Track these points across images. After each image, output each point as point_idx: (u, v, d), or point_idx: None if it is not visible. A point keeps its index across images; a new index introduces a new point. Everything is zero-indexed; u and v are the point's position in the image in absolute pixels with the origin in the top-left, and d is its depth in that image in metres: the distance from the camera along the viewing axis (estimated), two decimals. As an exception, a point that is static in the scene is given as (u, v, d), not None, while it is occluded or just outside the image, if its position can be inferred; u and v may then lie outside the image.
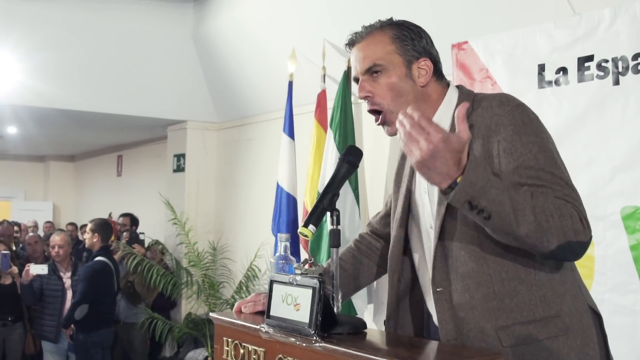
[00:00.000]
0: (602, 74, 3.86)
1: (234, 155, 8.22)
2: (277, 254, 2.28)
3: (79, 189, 13.77)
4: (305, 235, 2.05)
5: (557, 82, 4.07)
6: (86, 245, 7.10)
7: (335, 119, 5.76)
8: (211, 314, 2.45)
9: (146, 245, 8.30)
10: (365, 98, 2.21)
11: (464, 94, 2.18)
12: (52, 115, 8.31)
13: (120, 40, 7.54)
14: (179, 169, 8.64)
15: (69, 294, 6.88)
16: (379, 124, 2.22)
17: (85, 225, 10.68)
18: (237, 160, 8.15)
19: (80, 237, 10.40)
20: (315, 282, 1.93)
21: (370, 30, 2.19)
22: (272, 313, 2.06)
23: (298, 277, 2.01)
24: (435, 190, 2.11)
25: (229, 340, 2.27)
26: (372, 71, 2.17)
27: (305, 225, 2.06)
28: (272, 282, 2.10)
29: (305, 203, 6.07)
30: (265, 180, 7.41)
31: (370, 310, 5.69)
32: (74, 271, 6.98)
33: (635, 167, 3.71)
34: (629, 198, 3.73)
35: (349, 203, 5.67)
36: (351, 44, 2.23)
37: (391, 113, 2.15)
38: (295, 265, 2.12)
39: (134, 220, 8.95)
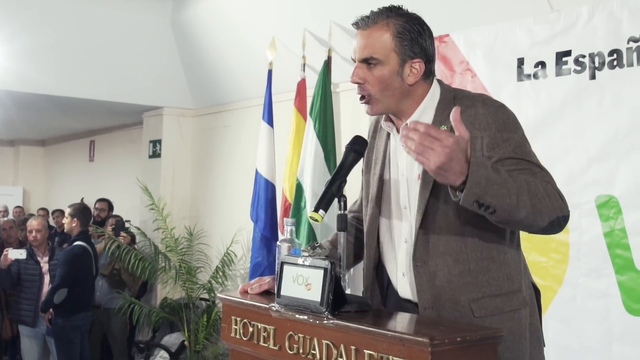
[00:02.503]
0: (579, 68, 4.03)
1: (210, 142, 8.30)
2: (283, 237, 2.41)
3: (50, 174, 13.69)
4: (316, 220, 2.18)
5: (535, 76, 4.24)
6: (65, 230, 7.13)
7: (315, 108, 5.87)
8: (218, 294, 2.57)
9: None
10: (356, 83, 2.35)
11: (445, 90, 2.38)
12: (24, 99, 8.25)
13: (98, 26, 7.53)
14: (155, 154, 8.68)
15: (47, 278, 6.93)
16: (362, 102, 2.38)
17: (57, 211, 10.72)
18: (214, 147, 8.22)
19: (51, 223, 10.39)
20: (327, 263, 2.07)
21: (376, 20, 2.31)
22: (282, 293, 2.19)
23: (309, 259, 2.14)
24: (413, 174, 2.33)
25: (238, 319, 2.39)
26: (368, 62, 2.31)
27: (316, 210, 2.19)
28: (282, 264, 2.22)
29: (284, 189, 6.18)
30: (242, 166, 7.51)
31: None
32: (51, 256, 7.03)
33: (609, 158, 3.89)
34: (604, 187, 3.91)
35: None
36: (357, 26, 2.36)
37: (376, 100, 2.33)
38: (303, 248, 2.26)
39: (111, 205, 8.98)
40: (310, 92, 6.07)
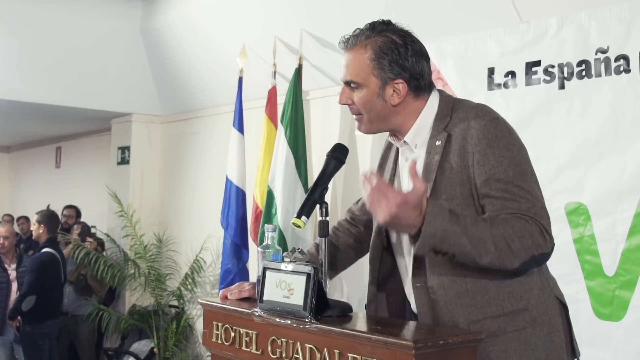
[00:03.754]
0: (548, 78, 4.11)
1: (179, 149, 8.29)
2: (264, 244, 2.42)
3: (15, 181, 13.53)
4: (298, 226, 2.22)
5: (505, 85, 4.32)
6: (33, 237, 7.07)
7: (286, 115, 5.91)
8: (200, 300, 2.59)
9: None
10: (343, 104, 2.37)
11: (444, 102, 2.33)
12: (-8, 106, 8.21)
13: (67, 31, 7.49)
14: (124, 161, 8.64)
15: (14, 285, 6.86)
16: (355, 119, 2.39)
17: (22, 217, 10.61)
18: (183, 154, 8.21)
19: (16, 229, 10.26)
20: (309, 268, 2.10)
21: (356, 42, 2.30)
22: (265, 298, 2.22)
23: (291, 265, 2.17)
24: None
25: (219, 324, 2.41)
26: (350, 84, 2.32)
27: (298, 216, 2.23)
28: (265, 269, 2.25)
29: (255, 196, 6.20)
30: (211, 173, 7.51)
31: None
32: (19, 263, 6.97)
33: (578, 166, 3.97)
34: (573, 195, 3.99)
35: (298, 197, 5.82)
36: (341, 47, 2.36)
37: (365, 120, 2.34)
38: (284, 254, 2.29)
39: (78, 212, 8.92)
40: (281, 99, 6.10)
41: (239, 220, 6.41)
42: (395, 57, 2.26)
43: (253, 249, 6.04)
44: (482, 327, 2.14)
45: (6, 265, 6.89)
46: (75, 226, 8.17)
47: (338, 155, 2.35)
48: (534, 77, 4.18)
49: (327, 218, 2.26)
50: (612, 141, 3.87)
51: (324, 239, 2.25)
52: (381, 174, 2.51)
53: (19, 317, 6.54)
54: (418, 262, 2.24)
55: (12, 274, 6.91)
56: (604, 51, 3.89)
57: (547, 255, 2.13)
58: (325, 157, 2.37)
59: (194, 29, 7.13)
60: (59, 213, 8.58)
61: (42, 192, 11.80)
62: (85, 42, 7.61)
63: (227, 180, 6.50)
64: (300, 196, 5.88)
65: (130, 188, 8.44)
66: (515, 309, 2.19)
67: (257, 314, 2.22)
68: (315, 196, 2.25)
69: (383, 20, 2.33)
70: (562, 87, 4.05)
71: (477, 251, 2.02)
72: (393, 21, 2.34)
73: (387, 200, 1.96)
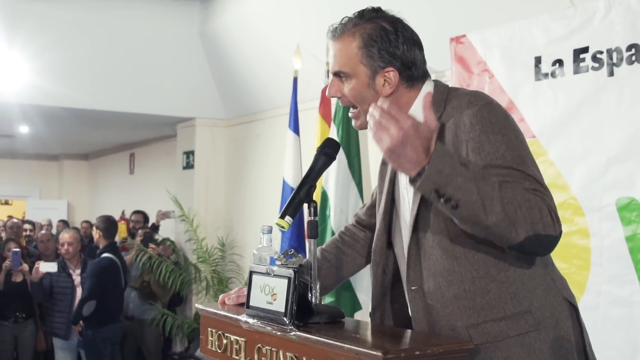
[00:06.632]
0: (597, 65, 3.86)
1: (242, 152, 8.26)
2: (260, 246, 2.30)
3: (93, 187, 13.87)
4: (282, 227, 2.08)
5: (553, 75, 4.08)
6: (94, 242, 7.16)
7: (338, 114, 5.78)
8: (197, 305, 2.49)
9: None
10: (332, 97, 2.24)
11: (438, 92, 2.16)
12: (61, 114, 8.37)
13: (128, 39, 7.59)
14: (189, 166, 8.69)
15: (79, 291, 6.95)
16: (350, 115, 2.25)
17: (85, 222, 10.86)
18: (246, 157, 8.18)
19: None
20: (290, 272, 1.97)
21: (343, 31, 2.16)
22: (251, 303, 2.10)
23: (275, 268, 2.04)
24: (410, 187, 2.14)
25: (213, 330, 2.31)
26: (339, 75, 2.18)
27: (282, 217, 2.08)
28: (251, 273, 2.13)
29: (311, 198, 6.09)
30: (272, 176, 7.44)
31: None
32: (83, 268, 7.05)
33: (629, 158, 3.71)
34: (624, 189, 3.73)
35: (352, 197, 5.70)
36: (329, 37, 2.21)
37: (361, 115, 2.18)
38: (275, 256, 2.15)
39: (146, 217, 9.02)
40: (334, 98, 5.97)
41: (295, 223, 6.30)
42: (385, 45, 2.11)
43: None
44: (482, 331, 1.97)
45: (70, 271, 6.99)
46: (139, 231, 8.25)
47: (328, 150, 2.18)
48: (581, 64, 3.93)
49: (316, 218, 2.11)
50: (665, 131, 3.61)
51: (312, 240, 2.09)
52: (382, 178, 2.36)
53: (81, 322, 6.61)
54: (413, 263, 2.09)
55: (77, 279, 7.00)
56: (654, 33, 3.63)
57: (552, 239, 1.89)
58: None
59: (250, 30, 7.10)
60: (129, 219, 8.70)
61: (118, 198, 12.04)
62: (145, 48, 7.68)
63: (284, 182, 6.42)
64: (355, 197, 5.75)
65: (195, 192, 8.47)
66: (517, 312, 1.99)
67: (243, 320, 2.10)
68: (301, 195, 2.10)
69: (373, 7, 2.18)
70: (611, 74, 3.79)
71: (483, 205, 1.80)
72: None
73: (397, 122, 1.78)
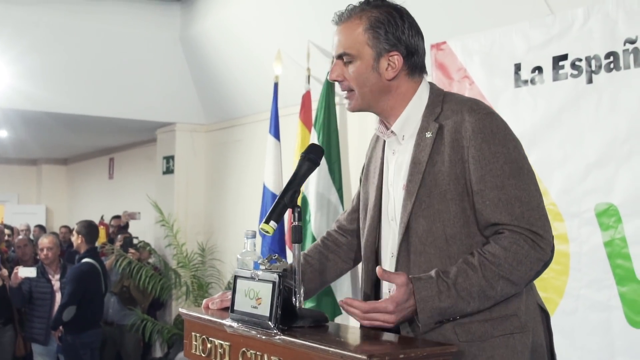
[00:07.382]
0: (576, 72, 3.90)
1: (222, 157, 8.26)
2: (244, 250, 2.31)
3: (72, 192, 13.79)
4: (267, 232, 2.09)
5: (532, 81, 4.12)
6: (74, 247, 7.12)
7: (319, 120, 5.81)
8: (180, 310, 2.49)
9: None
10: (334, 81, 2.26)
11: (434, 94, 2.22)
12: (41, 119, 8.34)
13: (108, 43, 7.56)
14: (168, 170, 8.67)
15: (58, 296, 6.88)
16: (345, 97, 2.28)
17: (64, 227, 10.80)
18: (226, 162, 8.18)
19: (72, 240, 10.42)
20: (275, 276, 1.98)
21: (350, 15, 2.21)
22: (236, 308, 2.11)
23: (259, 272, 2.06)
24: (399, 185, 2.18)
25: (197, 335, 2.31)
26: (343, 58, 2.21)
27: (267, 221, 2.09)
28: (236, 278, 2.14)
29: (291, 203, 6.09)
30: (253, 181, 7.45)
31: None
32: (62, 273, 6.99)
33: (608, 164, 3.75)
34: (603, 195, 3.77)
35: (332, 203, 5.72)
36: (334, 22, 2.25)
37: (356, 96, 2.22)
38: (260, 260, 2.16)
39: (126, 223, 8.99)
40: (315, 104, 6.00)
41: (275, 228, 6.30)
42: (392, 28, 2.17)
43: (290, 256, 5.94)
44: (468, 329, 2.04)
45: (50, 276, 6.93)
46: (118, 237, 8.22)
47: (312, 156, 2.20)
48: (561, 71, 3.97)
49: (300, 223, 2.12)
50: (643, 137, 3.65)
51: (297, 245, 2.11)
52: (367, 176, 2.40)
53: (61, 327, 6.57)
54: (403, 260, 2.14)
55: (56, 284, 6.93)
56: (632, 41, 3.67)
57: (549, 262, 2.06)
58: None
59: (231, 35, 7.10)
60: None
61: (97, 203, 11.99)
62: (125, 52, 7.67)
63: (264, 187, 6.42)
64: (335, 202, 5.77)
65: (175, 197, 8.46)
66: (503, 314, 2.07)
67: (228, 325, 2.11)
68: (285, 200, 2.12)
69: None
70: (590, 81, 3.84)
71: (478, 303, 2.01)
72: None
73: (380, 317, 1.98)
